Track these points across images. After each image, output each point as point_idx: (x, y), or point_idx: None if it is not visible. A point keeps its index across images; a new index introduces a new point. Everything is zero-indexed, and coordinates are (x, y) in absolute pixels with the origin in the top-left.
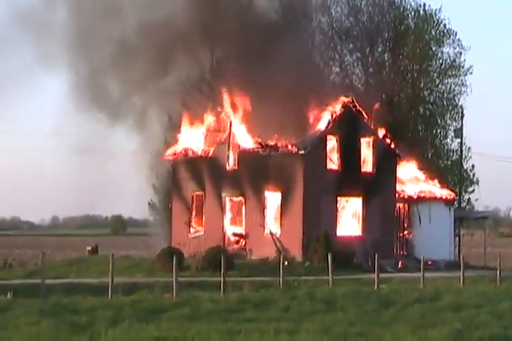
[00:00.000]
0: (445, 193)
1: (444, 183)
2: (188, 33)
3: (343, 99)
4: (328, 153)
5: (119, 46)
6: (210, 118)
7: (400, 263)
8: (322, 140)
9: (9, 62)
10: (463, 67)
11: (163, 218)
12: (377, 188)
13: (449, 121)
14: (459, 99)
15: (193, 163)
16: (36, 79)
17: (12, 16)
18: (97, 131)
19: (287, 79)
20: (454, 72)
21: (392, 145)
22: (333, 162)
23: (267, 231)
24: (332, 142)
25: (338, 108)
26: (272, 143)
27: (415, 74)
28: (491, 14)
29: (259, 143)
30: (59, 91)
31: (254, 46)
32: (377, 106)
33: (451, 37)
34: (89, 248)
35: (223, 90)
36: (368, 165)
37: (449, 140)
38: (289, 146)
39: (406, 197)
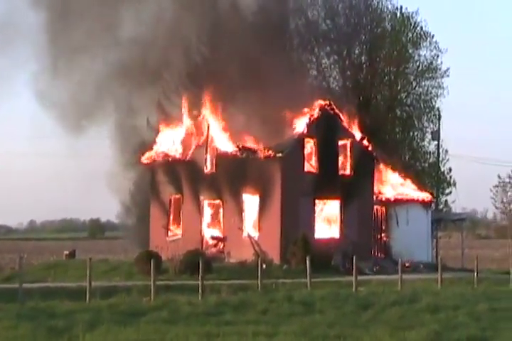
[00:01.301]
0: (422, 195)
1: (421, 185)
2: (165, 36)
3: (321, 102)
4: (305, 156)
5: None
6: (187, 121)
7: (377, 265)
8: (300, 143)
9: None
10: (440, 70)
11: (140, 221)
12: (355, 191)
13: (426, 124)
14: (435, 102)
15: (170, 166)
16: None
17: None
18: (71, 134)
19: (264, 82)
20: (430, 75)
21: (370, 148)
22: (311, 165)
23: (245, 234)
24: (309, 145)
25: (315, 111)
26: (249, 146)
27: (392, 77)
28: (467, 16)
29: (237, 146)
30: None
31: (230, 49)
32: (353, 110)
33: (428, 39)
34: (66, 252)
35: (201, 93)
36: (345, 168)
37: (426, 142)
38: (267, 149)
39: (383, 199)
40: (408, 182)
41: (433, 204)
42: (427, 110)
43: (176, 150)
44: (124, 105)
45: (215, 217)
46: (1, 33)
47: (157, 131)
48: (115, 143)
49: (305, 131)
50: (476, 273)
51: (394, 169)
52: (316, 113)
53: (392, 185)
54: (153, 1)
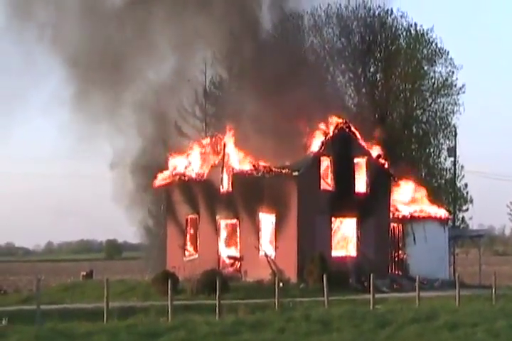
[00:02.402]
0: (439, 212)
1: (438, 202)
2: (182, 57)
3: (336, 119)
4: (321, 174)
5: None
6: (203, 141)
7: (394, 283)
8: (315, 161)
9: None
10: (455, 86)
11: (157, 242)
12: (372, 208)
13: (442, 140)
14: (451, 118)
15: (186, 186)
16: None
17: None
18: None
19: (280, 100)
20: (446, 91)
21: (386, 165)
22: (327, 183)
23: (261, 253)
24: (325, 163)
25: (331, 129)
26: (265, 164)
27: (408, 94)
28: (483, 33)
29: (253, 165)
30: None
31: (246, 68)
32: (368, 128)
33: (443, 56)
34: (84, 273)
35: (217, 113)
36: (361, 186)
37: (442, 159)
38: (283, 168)
39: (400, 216)
40: (425, 198)
41: (450, 221)
42: (443, 127)
43: (191, 170)
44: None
45: (231, 236)
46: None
47: (173, 151)
48: (132, 164)
49: (321, 150)
50: (494, 290)
51: (410, 186)
52: (331, 131)
53: (409, 202)
54: (172, 21)
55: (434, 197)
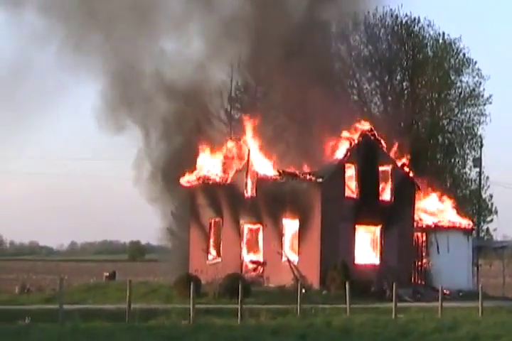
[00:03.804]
0: (463, 222)
1: (462, 212)
2: (210, 63)
3: (362, 127)
4: (346, 181)
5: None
6: (228, 146)
7: (417, 292)
8: (340, 168)
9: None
10: (482, 97)
11: (180, 244)
12: (396, 217)
13: (467, 151)
14: (478, 129)
15: (210, 189)
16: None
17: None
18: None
19: (305, 106)
20: (473, 102)
21: (411, 174)
22: (351, 190)
23: (284, 258)
24: (350, 170)
25: (356, 136)
26: (290, 170)
27: (434, 103)
28: (511, 43)
29: (278, 171)
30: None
31: (272, 75)
32: (394, 136)
33: (471, 66)
34: (106, 274)
35: (242, 118)
36: (386, 194)
37: (467, 169)
38: (308, 174)
39: (424, 226)
40: (449, 208)
41: (474, 232)
42: (469, 137)
43: (216, 174)
44: (164, 128)
45: (254, 241)
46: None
47: (198, 155)
48: (157, 167)
49: (345, 157)
50: None
51: (435, 196)
52: (356, 138)
53: (433, 211)
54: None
55: (459, 208)
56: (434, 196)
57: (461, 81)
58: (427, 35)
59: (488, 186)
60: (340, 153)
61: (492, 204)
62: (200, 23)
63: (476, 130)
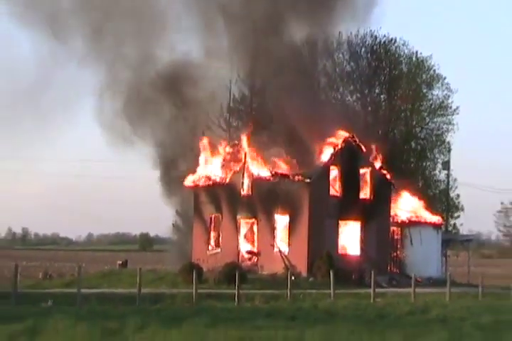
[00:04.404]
0: (434, 218)
1: (432, 210)
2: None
3: (344, 134)
4: (330, 182)
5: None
6: (227, 150)
7: (393, 280)
8: (326, 170)
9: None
10: (450, 108)
11: (184, 237)
12: (374, 213)
13: (437, 155)
14: (446, 136)
15: (211, 189)
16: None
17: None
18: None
19: (295, 115)
20: (442, 112)
21: (388, 176)
22: (335, 190)
23: (276, 249)
24: (334, 172)
25: (339, 142)
26: (281, 172)
27: (408, 113)
28: (477, 60)
29: (271, 172)
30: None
31: (266, 89)
32: (373, 142)
33: (440, 81)
34: (119, 262)
35: (239, 125)
36: (365, 193)
37: (437, 171)
38: (297, 175)
39: (399, 221)
40: (421, 206)
41: (443, 227)
42: (439, 143)
43: (216, 175)
44: (172, 134)
45: (250, 234)
46: None
47: (200, 158)
48: (164, 167)
49: (330, 160)
50: (480, 288)
51: (409, 195)
52: (340, 144)
53: (407, 208)
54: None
55: (430, 205)
56: (407, 195)
57: (432, 94)
58: (402, 54)
59: (456, 186)
60: (325, 157)
61: (459, 202)
62: (203, 45)
63: (445, 137)
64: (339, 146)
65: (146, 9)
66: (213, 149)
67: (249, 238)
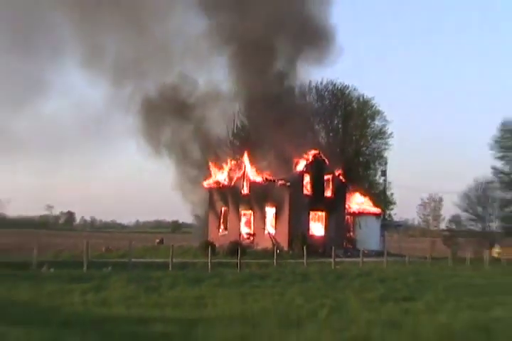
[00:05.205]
0: (375, 210)
1: (374, 204)
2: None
3: (314, 151)
4: (304, 185)
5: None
6: (232, 163)
7: (347, 252)
8: (300, 177)
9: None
10: (386, 133)
11: (203, 223)
12: (334, 206)
13: (378, 166)
14: (384, 153)
15: (221, 189)
16: None
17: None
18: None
19: (280, 138)
20: (381, 136)
21: (344, 180)
22: (308, 190)
23: (266, 231)
24: (307, 178)
25: (310, 157)
26: (270, 178)
27: (357, 137)
28: (406, 99)
29: (263, 178)
30: None
31: (259, 120)
32: (333, 157)
33: (380, 114)
34: (157, 240)
35: (240, 146)
36: (328, 193)
37: (377, 177)
38: (281, 180)
39: (351, 212)
40: (367, 201)
41: (381, 216)
42: (379, 158)
43: (224, 180)
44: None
45: (248, 221)
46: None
47: (212, 168)
48: (184, 174)
49: (304, 169)
50: (407, 258)
51: (358, 194)
52: (310, 158)
53: (357, 203)
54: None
55: (372, 201)
56: (357, 194)
57: (374, 124)
58: (353, 96)
59: (391, 188)
60: (300, 167)
61: (393, 198)
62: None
63: (383, 154)
64: (310, 160)
65: (170, 46)
66: (221, 162)
67: (247, 224)
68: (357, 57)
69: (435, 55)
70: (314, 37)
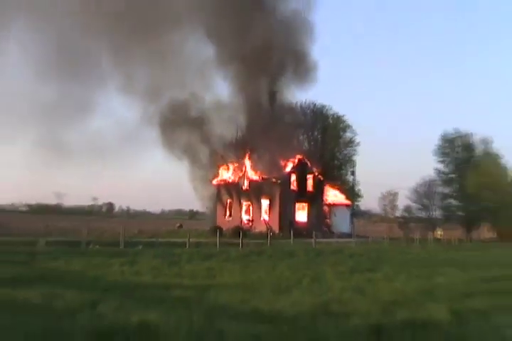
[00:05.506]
0: (346, 202)
1: (346, 197)
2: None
3: (299, 156)
4: (291, 182)
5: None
6: (235, 164)
7: (325, 234)
8: (289, 176)
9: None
10: (355, 142)
11: (213, 212)
12: (315, 199)
13: (348, 167)
14: (353, 157)
15: (227, 186)
16: None
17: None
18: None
19: (273, 145)
20: (350, 145)
21: (322, 179)
22: (294, 186)
23: (262, 218)
24: (293, 177)
25: (296, 161)
26: (265, 176)
27: (333, 146)
28: (371, 114)
29: (259, 176)
30: None
31: (257, 131)
32: (314, 161)
33: (350, 128)
34: (178, 225)
35: (241, 151)
36: (310, 188)
37: (348, 177)
38: (273, 178)
39: (328, 203)
40: (340, 195)
41: (351, 206)
42: (349, 161)
43: (229, 178)
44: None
45: (247, 210)
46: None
47: (219, 168)
48: (195, 174)
49: (291, 170)
50: (370, 238)
51: (333, 189)
52: (296, 161)
53: (332, 196)
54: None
55: (344, 195)
56: (332, 189)
57: (345, 135)
58: (329, 113)
59: (358, 184)
60: (288, 168)
61: (360, 193)
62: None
63: (352, 158)
64: (296, 163)
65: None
66: (227, 164)
67: (247, 212)
68: (329, 80)
69: (395, 74)
70: (298, 65)
